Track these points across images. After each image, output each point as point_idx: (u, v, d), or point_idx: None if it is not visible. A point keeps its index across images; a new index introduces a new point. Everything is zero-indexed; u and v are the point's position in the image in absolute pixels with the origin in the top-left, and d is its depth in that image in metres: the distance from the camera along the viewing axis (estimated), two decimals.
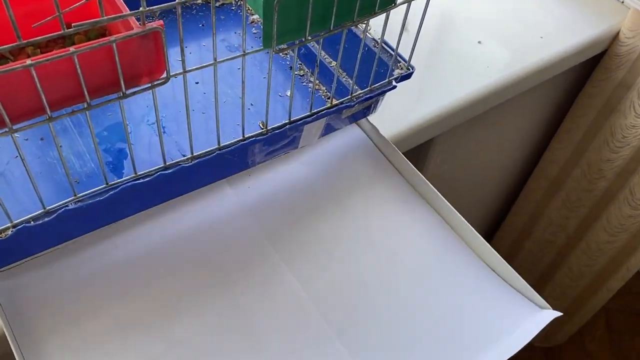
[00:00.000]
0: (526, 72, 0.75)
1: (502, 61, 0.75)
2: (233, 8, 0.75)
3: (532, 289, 0.48)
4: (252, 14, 0.72)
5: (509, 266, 0.50)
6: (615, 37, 0.84)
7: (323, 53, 0.64)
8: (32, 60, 0.32)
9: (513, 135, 0.98)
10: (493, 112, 0.78)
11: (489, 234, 1.33)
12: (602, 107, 0.91)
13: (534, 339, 0.46)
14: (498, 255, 0.50)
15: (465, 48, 0.76)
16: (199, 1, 0.74)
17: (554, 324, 1.29)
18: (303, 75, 0.61)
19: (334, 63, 0.64)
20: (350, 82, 0.63)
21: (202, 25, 0.71)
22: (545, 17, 0.83)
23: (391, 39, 0.55)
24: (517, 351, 0.43)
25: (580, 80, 0.95)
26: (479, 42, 0.77)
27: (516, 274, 0.49)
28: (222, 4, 0.74)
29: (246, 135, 0.49)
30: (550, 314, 0.47)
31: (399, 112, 0.66)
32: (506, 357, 0.43)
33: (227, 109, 0.57)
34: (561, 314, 0.47)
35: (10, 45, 0.31)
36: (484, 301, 0.49)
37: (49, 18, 0.32)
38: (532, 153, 1.08)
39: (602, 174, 0.96)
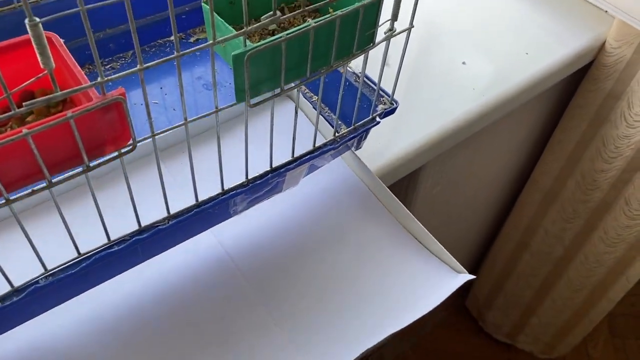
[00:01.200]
0: (513, 91, 0.73)
1: (488, 82, 0.73)
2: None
3: (448, 254, 0.52)
4: None
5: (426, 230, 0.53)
6: (601, 48, 0.83)
7: (304, 87, 0.62)
8: None
9: (504, 151, 0.96)
10: (483, 132, 0.76)
11: (486, 248, 1.31)
12: (593, 118, 0.90)
13: (536, 350, 0.45)
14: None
15: (450, 70, 0.74)
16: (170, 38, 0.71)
17: (556, 335, 1.26)
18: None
19: (315, 97, 0.61)
20: (333, 116, 0.61)
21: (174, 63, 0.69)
22: (530, 30, 0.81)
23: (373, 72, 0.53)
24: (431, 309, 0.48)
25: (570, 91, 0.93)
26: (464, 63, 0.75)
27: (433, 237, 0.53)
28: (197, 39, 0.72)
29: (226, 189, 0.46)
30: (465, 277, 0.51)
31: (386, 142, 0.64)
32: (420, 315, 0.47)
33: (205, 159, 0.54)
34: (474, 276, 0.51)
35: None
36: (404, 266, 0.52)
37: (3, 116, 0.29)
38: (525, 165, 1.07)
39: (596, 184, 0.94)
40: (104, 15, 0.63)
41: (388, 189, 0.56)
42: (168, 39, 0.70)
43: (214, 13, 0.40)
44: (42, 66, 0.29)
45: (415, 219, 0.54)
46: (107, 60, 0.66)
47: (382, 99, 0.55)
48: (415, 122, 0.66)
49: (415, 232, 0.56)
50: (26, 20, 0.27)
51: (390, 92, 0.55)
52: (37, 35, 0.27)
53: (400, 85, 0.55)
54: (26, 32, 0.28)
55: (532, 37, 0.80)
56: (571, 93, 0.93)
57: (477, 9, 0.84)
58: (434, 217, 0.94)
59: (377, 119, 0.54)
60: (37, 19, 0.27)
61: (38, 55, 0.28)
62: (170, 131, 0.39)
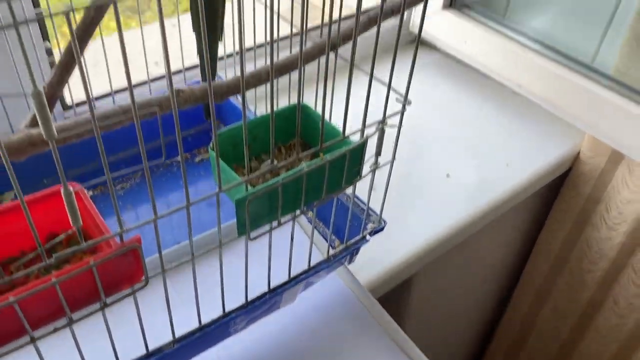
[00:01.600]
0: (496, 200, 0.78)
1: (472, 193, 0.78)
2: (202, 167, 0.78)
3: None
4: None
5: None
6: (577, 157, 0.89)
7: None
8: (12, 297, 0.33)
9: (493, 255, 1.00)
10: (471, 238, 0.80)
11: (481, 349, 1.32)
12: (576, 220, 0.94)
13: None
14: None
15: (435, 183, 0.79)
16: (176, 159, 0.78)
17: None
18: None
19: (310, 213, 0.66)
20: (327, 231, 0.66)
21: (181, 183, 0.75)
22: (509, 142, 0.88)
23: (362, 192, 0.58)
24: None
25: (552, 195, 0.98)
26: (448, 176, 0.80)
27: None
28: (202, 159, 0.78)
29: (227, 311, 0.50)
30: None
31: (376, 255, 0.68)
32: None
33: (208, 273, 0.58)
34: None
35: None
36: None
37: (31, 255, 0.34)
38: (516, 265, 1.10)
39: (584, 284, 0.97)
40: (117, 139, 0.69)
41: (379, 304, 0.60)
42: (175, 159, 0.76)
43: (222, 162, 0.45)
44: (71, 224, 0.34)
45: (406, 337, 0.57)
46: (117, 180, 0.72)
47: (371, 217, 0.60)
48: (403, 235, 0.71)
49: (406, 349, 0.58)
50: (62, 190, 0.32)
51: (378, 211, 0.60)
52: (69, 201, 0.32)
53: (388, 201, 0.60)
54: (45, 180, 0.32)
55: (512, 148, 0.87)
56: (554, 197, 0.98)
57: (458, 123, 0.91)
58: (431, 317, 0.97)
59: (368, 237, 0.59)
60: (71, 189, 0.32)
61: (69, 216, 0.33)
62: (176, 250, 0.43)
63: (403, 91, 0.48)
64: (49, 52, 0.65)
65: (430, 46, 1.05)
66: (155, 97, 0.38)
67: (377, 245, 0.69)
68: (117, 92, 0.69)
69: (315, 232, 0.64)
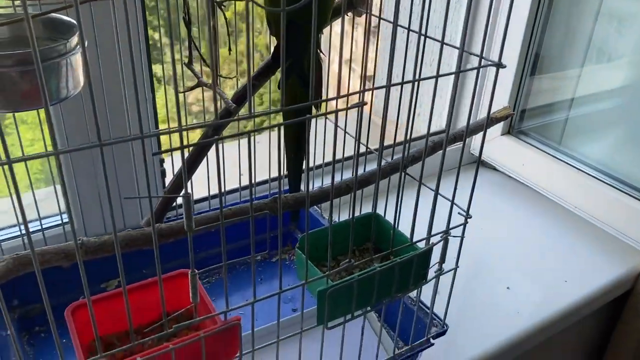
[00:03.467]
0: (555, 315, 0.80)
1: (531, 306, 0.81)
2: (287, 262, 0.86)
3: None
4: None
5: None
6: (638, 277, 0.91)
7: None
8: (140, 358, 0.41)
9: None
10: (529, 353, 0.82)
11: None
12: (639, 340, 0.94)
13: None
14: None
15: (496, 294, 0.83)
16: (258, 257, 0.86)
17: None
18: None
19: (377, 316, 0.72)
20: (393, 334, 0.70)
21: (261, 279, 0.83)
22: (569, 259, 0.91)
23: (426, 295, 0.63)
24: None
25: (615, 316, 0.99)
26: (508, 288, 0.84)
27: None
28: (277, 260, 0.86)
29: None
30: None
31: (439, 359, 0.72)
32: None
33: None
34: None
35: (129, 345, 0.40)
36: None
37: (155, 325, 0.42)
38: None
39: None
40: (208, 240, 0.79)
41: None
42: (246, 258, 0.85)
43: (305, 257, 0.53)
44: (191, 300, 0.42)
45: None
46: (204, 274, 0.80)
47: (434, 321, 0.65)
48: (464, 342, 0.74)
49: None
50: (190, 272, 0.41)
51: (441, 315, 0.65)
52: (194, 284, 0.41)
53: (450, 308, 0.65)
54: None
55: (572, 265, 0.90)
56: (616, 317, 0.98)
57: (518, 239, 0.96)
58: None
59: (431, 340, 0.63)
60: (197, 271, 0.41)
61: (191, 296, 0.41)
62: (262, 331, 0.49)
63: (465, 206, 0.56)
64: (161, 162, 0.77)
65: (491, 168, 1.13)
66: (263, 201, 0.47)
67: (438, 349, 0.73)
68: (213, 197, 0.80)
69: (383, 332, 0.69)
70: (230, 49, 0.68)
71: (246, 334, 0.47)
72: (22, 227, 0.68)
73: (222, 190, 0.41)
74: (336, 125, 0.58)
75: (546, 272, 0.89)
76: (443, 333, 0.64)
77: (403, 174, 0.57)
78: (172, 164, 0.75)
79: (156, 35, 0.76)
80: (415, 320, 0.62)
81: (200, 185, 0.80)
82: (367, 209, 0.60)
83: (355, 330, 0.64)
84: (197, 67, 0.64)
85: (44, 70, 0.30)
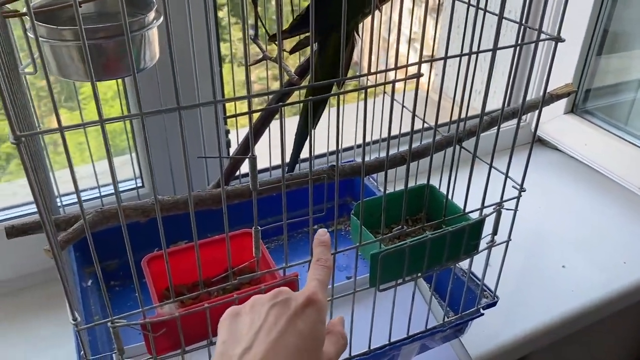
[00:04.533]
0: (611, 297, 0.80)
1: (586, 286, 0.81)
2: (342, 233, 0.90)
3: None
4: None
5: None
6: None
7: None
8: (207, 304, 0.45)
9: (611, 349, 0.99)
10: (582, 333, 0.82)
11: None
12: None
13: None
14: None
15: (551, 271, 0.83)
16: (317, 215, 0.90)
17: None
18: None
19: (428, 285, 0.74)
20: (443, 303, 0.72)
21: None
22: (629, 240, 0.90)
23: (478, 268, 0.65)
24: None
25: None
26: (563, 267, 0.84)
27: None
28: (333, 230, 0.89)
29: (352, 355, 0.58)
30: None
31: (488, 333, 0.73)
32: None
33: None
34: None
35: (198, 292, 0.45)
36: None
37: (222, 275, 0.46)
38: None
39: None
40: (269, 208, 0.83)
41: None
42: (314, 227, 0.89)
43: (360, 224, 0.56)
44: (254, 255, 0.46)
45: None
46: (265, 239, 0.84)
47: (485, 293, 0.67)
48: (516, 316, 0.75)
49: None
50: (252, 229, 0.44)
51: (492, 287, 0.66)
52: (257, 239, 0.44)
53: (503, 281, 0.66)
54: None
55: (630, 247, 0.88)
56: None
57: (576, 219, 0.95)
58: None
59: (481, 310, 0.65)
60: (259, 228, 0.44)
61: (254, 250, 0.45)
62: None
63: (519, 182, 0.56)
64: (227, 133, 0.81)
65: (552, 147, 1.11)
66: (322, 168, 0.50)
67: (490, 320, 0.74)
68: (275, 168, 0.84)
69: (433, 301, 0.71)
70: None
71: None
72: (102, 189, 0.74)
73: (284, 158, 0.44)
74: (392, 99, 0.60)
75: (604, 252, 0.88)
76: (493, 304, 0.66)
77: (458, 146, 0.58)
78: (237, 135, 0.80)
79: (220, 13, 0.79)
80: (465, 291, 0.64)
81: (262, 159, 0.84)
82: (421, 182, 0.62)
83: (405, 297, 0.66)
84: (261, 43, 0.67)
85: (125, 42, 0.33)
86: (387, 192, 0.79)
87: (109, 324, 0.43)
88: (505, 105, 0.55)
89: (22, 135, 0.32)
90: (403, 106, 0.73)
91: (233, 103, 0.79)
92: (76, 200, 0.37)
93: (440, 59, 0.44)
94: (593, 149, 1.02)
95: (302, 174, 0.50)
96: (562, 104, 1.05)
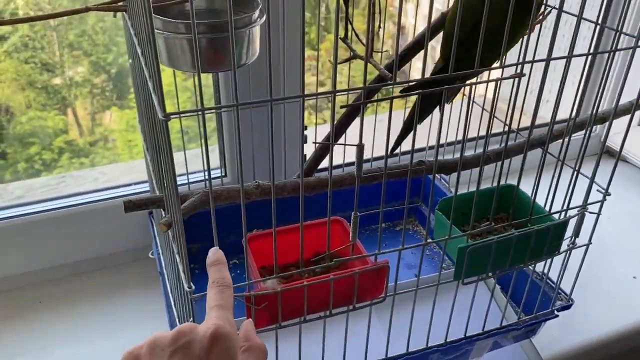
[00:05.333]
0: None
1: None
2: (410, 232, 0.91)
3: None
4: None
5: None
6: None
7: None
8: (307, 282, 0.48)
9: None
10: None
11: None
12: None
13: None
14: None
15: (621, 280, 0.83)
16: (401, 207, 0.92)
17: None
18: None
19: (499, 287, 0.75)
20: (515, 305, 0.73)
21: (385, 244, 0.88)
22: None
23: (553, 273, 0.66)
24: None
25: None
26: (634, 278, 0.84)
27: None
28: (400, 229, 0.92)
29: (429, 345, 0.60)
30: None
31: (558, 335, 0.73)
32: None
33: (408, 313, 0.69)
34: None
35: (299, 270, 0.48)
36: None
37: (318, 257, 0.48)
38: None
39: None
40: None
41: None
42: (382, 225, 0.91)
43: (447, 220, 0.58)
44: (350, 239, 0.48)
45: None
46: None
47: (559, 295, 0.67)
48: (588, 322, 0.75)
49: None
50: (353, 214, 0.47)
51: (567, 291, 0.67)
52: (355, 222, 0.47)
53: (576, 286, 0.67)
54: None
55: None
56: None
57: None
58: None
59: (555, 312, 0.65)
60: (359, 214, 0.47)
61: (351, 235, 0.48)
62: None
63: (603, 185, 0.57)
64: (305, 128, 0.85)
65: (621, 159, 1.10)
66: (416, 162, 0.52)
67: (560, 326, 0.75)
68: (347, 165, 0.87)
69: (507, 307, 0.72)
70: (380, 26, 0.74)
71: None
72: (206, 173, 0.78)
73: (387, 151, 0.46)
74: (472, 101, 0.62)
75: None
76: (568, 307, 0.66)
77: (543, 151, 0.60)
78: (315, 133, 0.83)
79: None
80: (541, 294, 0.65)
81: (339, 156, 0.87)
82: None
83: (481, 295, 0.67)
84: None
85: (230, 38, 0.36)
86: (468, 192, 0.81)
87: None
88: (595, 110, 0.56)
89: (170, 114, 0.36)
90: (483, 109, 0.74)
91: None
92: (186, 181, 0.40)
93: (542, 60, 0.46)
94: None
95: (402, 164, 0.52)
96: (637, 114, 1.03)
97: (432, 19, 0.52)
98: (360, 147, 0.43)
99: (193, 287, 0.45)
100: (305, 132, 0.87)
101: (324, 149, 0.72)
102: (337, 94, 0.42)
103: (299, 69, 0.81)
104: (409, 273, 0.82)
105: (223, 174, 0.83)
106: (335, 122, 0.71)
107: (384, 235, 0.91)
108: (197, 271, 0.82)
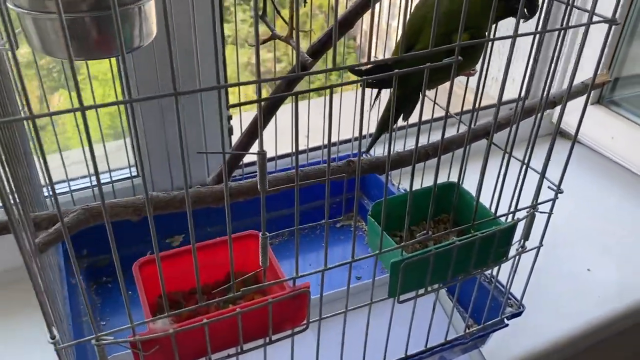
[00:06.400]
0: (636, 304, 0.74)
1: (614, 292, 0.75)
2: (350, 229, 0.84)
3: None
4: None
5: None
6: None
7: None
8: (206, 319, 0.39)
9: None
10: (607, 342, 0.76)
11: None
12: None
13: None
14: None
15: (575, 276, 0.78)
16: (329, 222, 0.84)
17: None
18: None
19: (448, 294, 0.68)
20: (464, 313, 0.66)
21: (323, 244, 0.80)
22: None
23: (502, 275, 0.59)
24: None
25: None
26: (588, 270, 0.79)
27: None
28: (342, 225, 0.84)
29: None
30: None
31: (509, 343, 0.67)
32: None
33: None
34: None
35: (196, 306, 0.39)
36: None
37: (222, 287, 0.40)
38: None
39: None
40: (275, 201, 0.77)
41: None
42: (319, 223, 0.83)
43: (379, 228, 0.50)
44: (260, 264, 0.40)
45: None
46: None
47: (509, 301, 0.61)
48: (539, 325, 0.70)
49: None
50: (260, 234, 0.38)
51: (518, 295, 0.61)
52: (264, 247, 0.38)
53: (528, 289, 0.61)
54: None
55: None
56: None
57: (601, 218, 0.89)
58: None
59: (505, 320, 0.59)
60: (268, 234, 0.38)
61: (261, 259, 0.39)
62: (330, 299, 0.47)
63: (553, 180, 0.51)
64: (229, 119, 0.75)
65: (578, 141, 1.05)
66: (337, 164, 0.44)
67: (511, 332, 0.68)
68: (280, 157, 0.78)
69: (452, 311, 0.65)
70: (305, 2, 0.64)
71: (312, 299, 0.45)
72: (94, 178, 0.68)
73: (297, 152, 0.38)
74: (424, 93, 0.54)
75: (633, 256, 0.82)
76: (519, 314, 0.60)
77: (488, 141, 0.52)
78: (240, 122, 0.73)
79: None
80: (490, 299, 0.58)
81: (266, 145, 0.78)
82: (441, 179, 0.56)
83: (424, 306, 0.60)
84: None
85: (119, 16, 0.27)
86: (405, 191, 0.73)
87: (93, 341, 0.37)
88: (546, 94, 0.49)
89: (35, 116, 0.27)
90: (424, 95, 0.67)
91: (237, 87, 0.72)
92: (67, 189, 0.31)
93: (483, 40, 0.38)
94: (621, 143, 0.95)
95: (319, 170, 0.44)
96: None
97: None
98: (261, 156, 0.35)
99: (57, 336, 0.36)
100: (231, 123, 0.78)
101: (242, 148, 0.63)
102: (264, 82, 0.33)
103: (219, 52, 0.71)
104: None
105: (135, 174, 0.73)
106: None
107: (322, 232, 0.83)
108: (111, 285, 0.72)
